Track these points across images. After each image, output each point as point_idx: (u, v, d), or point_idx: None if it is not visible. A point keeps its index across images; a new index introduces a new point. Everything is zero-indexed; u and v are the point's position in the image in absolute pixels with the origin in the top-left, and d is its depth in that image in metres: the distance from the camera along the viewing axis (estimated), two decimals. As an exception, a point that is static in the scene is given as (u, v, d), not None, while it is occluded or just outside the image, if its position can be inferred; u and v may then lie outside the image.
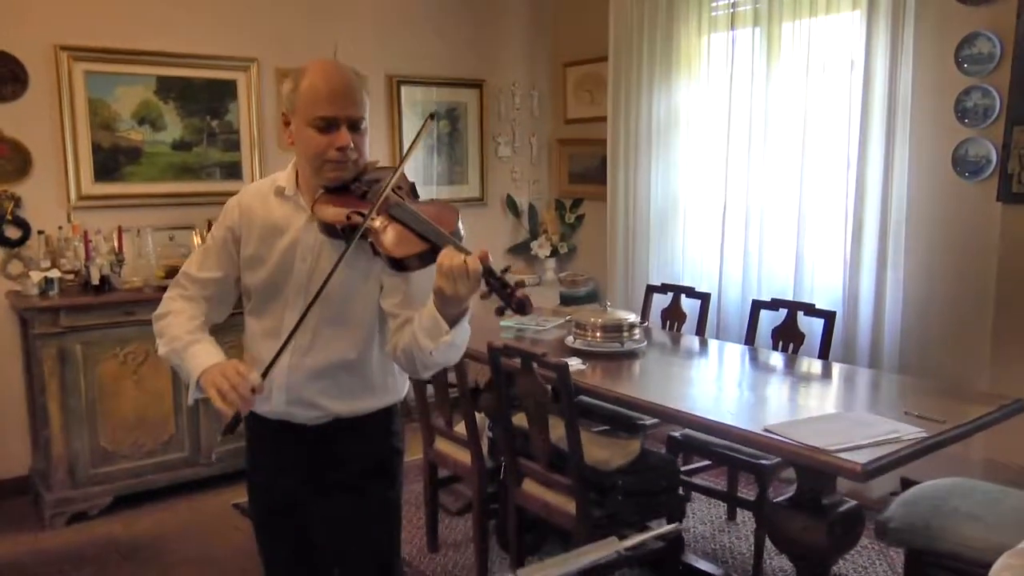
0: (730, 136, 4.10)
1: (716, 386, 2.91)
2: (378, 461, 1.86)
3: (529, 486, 2.76)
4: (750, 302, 3.73)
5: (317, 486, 1.82)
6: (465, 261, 1.44)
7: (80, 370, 3.55)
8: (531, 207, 5.37)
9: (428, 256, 1.54)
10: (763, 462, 3.00)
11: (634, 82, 4.49)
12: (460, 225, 1.59)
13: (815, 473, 2.41)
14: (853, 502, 2.55)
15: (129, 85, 3.99)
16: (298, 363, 1.73)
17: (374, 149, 4.69)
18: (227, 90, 4.25)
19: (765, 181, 3.95)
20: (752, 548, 3.30)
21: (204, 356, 1.68)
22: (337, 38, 4.33)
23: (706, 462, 3.40)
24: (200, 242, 4.10)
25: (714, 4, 4.13)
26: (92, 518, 3.63)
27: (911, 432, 2.22)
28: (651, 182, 4.48)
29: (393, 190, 1.69)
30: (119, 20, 3.94)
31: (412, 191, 1.77)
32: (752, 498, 3.20)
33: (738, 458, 3.08)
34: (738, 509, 3.58)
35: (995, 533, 2.30)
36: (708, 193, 4.28)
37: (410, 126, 4.81)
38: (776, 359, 3.25)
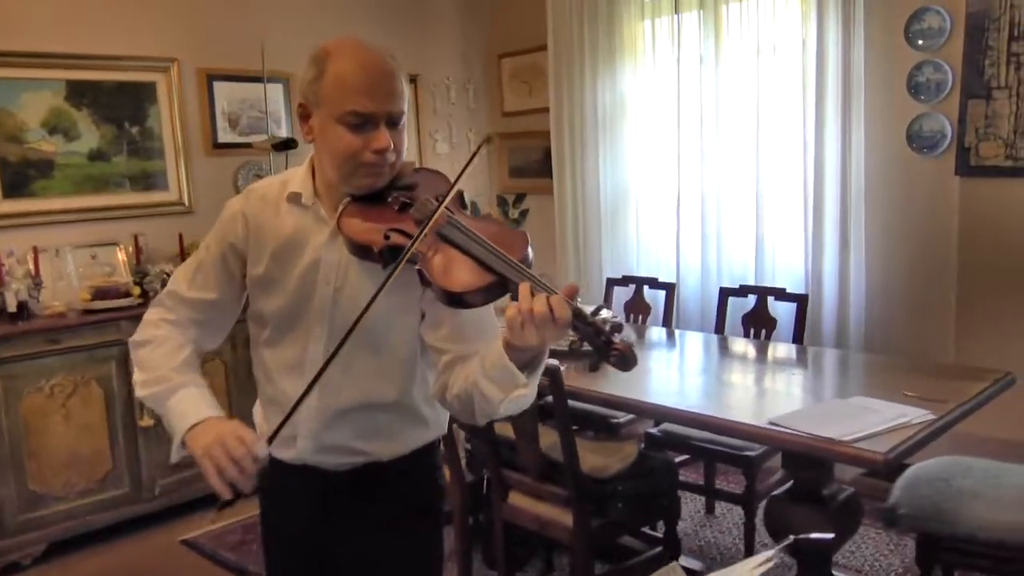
0: (680, 122, 4.02)
1: (702, 379, 2.81)
2: (420, 502, 1.61)
3: (517, 499, 2.60)
4: (713, 290, 3.67)
5: (348, 529, 1.57)
6: (549, 304, 1.16)
7: (1, 407, 3.20)
8: (473, 204, 5.19)
9: (494, 291, 1.26)
10: (748, 454, 2.92)
11: (576, 71, 4.37)
12: (530, 251, 1.30)
13: (814, 463, 2.35)
14: (850, 489, 2.49)
15: (35, 91, 3.63)
16: (328, 404, 1.47)
17: (304, 156, 4.41)
18: (146, 94, 3.93)
19: (720, 166, 3.89)
20: (736, 542, 3.24)
21: (191, 407, 1.41)
22: (264, 34, 4.06)
23: (684, 456, 3.31)
24: (124, 260, 3.78)
25: (656, -13, 4.04)
26: (25, 568, 3.29)
27: (919, 415, 2.16)
28: (600, 173, 4.37)
29: (436, 202, 1.37)
30: (20, 20, 3.58)
31: (461, 201, 1.45)
32: (739, 491, 3.12)
33: (721, 451, 2.99)
34: (716, 502, 3.50)
35: (1006, 511, 2.27)
36: (660, 181, 4.19)
37: (344, 125, 4.56)
38: (752, 347, 3.19)
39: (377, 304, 1.30)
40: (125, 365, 3.43)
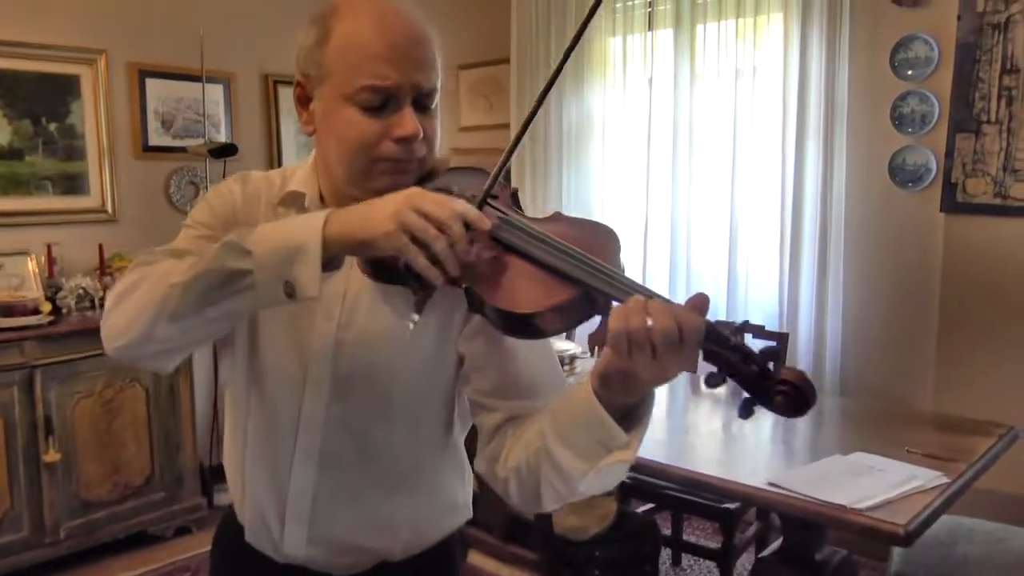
0: (651, 144, 3.81)
1: (679, 425, 2.56)
2: None
3: (478, 560, 2.31)
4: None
5: None
6: (674, 316, 0.80)
7: None
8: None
9: (578, 310, 0.90)
10: (727, 506, 2.69)
11: (541, 86, 4.11)
12: (619, 256, 0.95)
13: (810, 524, 2.12)
14: (844, 552, 2.28)
15: (-61, 79, 3.23)
16: (330, 481, 1.11)
17: (247, 160, 4.11)
18: (68, 87, 3.54)
19: (692, 192, 3.68)
20: (707, 598, 3.00)
21: (295, 219, 0.96)
22: (204, 30, 3.71)
23: (649, 505, 3.06)
24: (34, 271, 3.37)
25: (630, 3, 3.84)
26: (-102, 627, 2.86)
27: (931, 477, 1.96)
28: (563, 194, 4.13)
29: (489, 201, 1.00)
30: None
31: (514, 201, 1.06)
32: (711, 544, 2.88)
33: (696, 502, 2.75)
34: (683, 554, 3.26)
35: (1019, 583, 2.08)
36: (628, 206, 3.97)
37: (289, 134, 4.23)
38: (726, 388, 2.96)
39: (395, 344, 0.95)
40: (29, 391, 3.03)
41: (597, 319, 0.92)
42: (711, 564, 3.04)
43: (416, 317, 0.90)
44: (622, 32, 3.89)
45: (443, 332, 1.08)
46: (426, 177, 1.08)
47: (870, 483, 1.91)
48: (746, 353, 0.82)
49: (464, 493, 1.24)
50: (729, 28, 3.51)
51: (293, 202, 1.13)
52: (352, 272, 1.07)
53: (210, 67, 3.75)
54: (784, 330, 3.33)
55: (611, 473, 0.93)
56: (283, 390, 1.12)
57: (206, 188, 3.81)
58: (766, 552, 2.29)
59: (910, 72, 3.16)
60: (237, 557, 1.22)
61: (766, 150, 3.46)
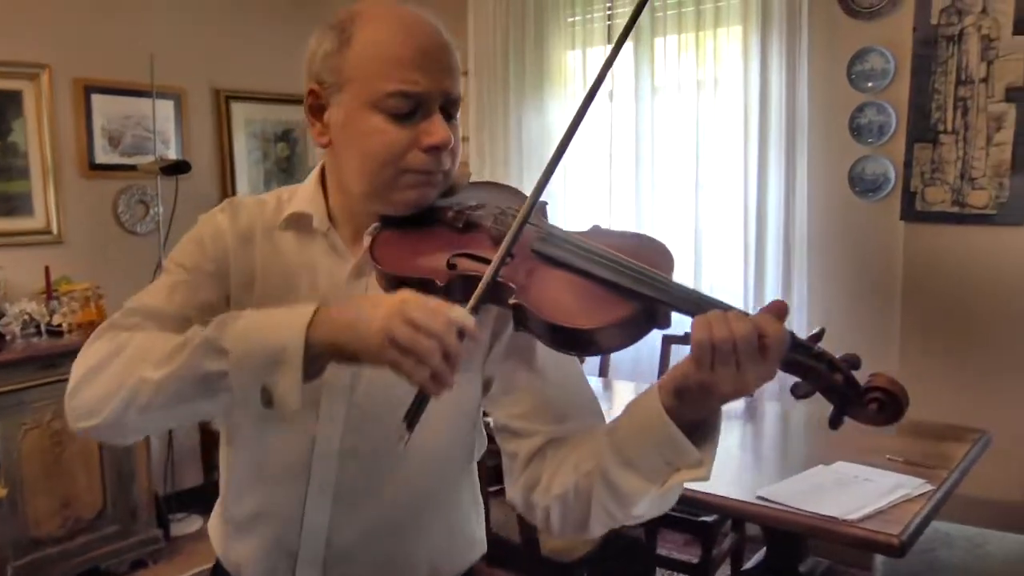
0: (613, 157, 3.80)
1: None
2: None
3: (460, 585, 2.24)
4: (653, 337, 3.43)
5: None
6: (757, 325, 0.78)
7: None
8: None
9: (640, 324, 0.86)
10: (705, 519, 2.66)
11: (500, 101, 4.10)
12: (673, 269, 0.92)
13: (792, 535, 2.12)
14: (827, 562, 2.28)
15: None
16: (346, 519, 1.04)
17: (199, 178, 3.98)
18: (9, 104, 3.38)
19: (655, 204, 3.69)
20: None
21: (282, 312, 0.88)
22: (153, 45, 3.59)
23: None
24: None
25: (588, 17, 3.84)
26: None
27: (917, 485, 1.97)
28: (524, 208, 4.09)
29: (514, 214, 0.95)
30: None
31: (543, 215, 1.02)
32: (685, 558, 2.86)
33: (672, 516, 2.73)
34: (658, 569, 3.23)
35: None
36: (590, 218, 3.95)
37: (241, 147, 4.12)
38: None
39: None
40: (-27, 424, 2.87)
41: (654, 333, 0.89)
42: (686, 578, 3.02)
43: (408, 435, 0.84)
44: (581, 45, 3.88)
45: (467, 355, 1.02)
46: (448, 192, 1.04)
47: (858, 493, 1.91)
48: (830, 361, 0.80)
49: (480, 526, 1.19)
50: (689, 41, 3.53)
51: (298, 224, 1.07)
52: (368, 294, 1.02)
53: (159, 82, 3.63)
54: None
55: (671, 494, 0.90)
56: (294, 427, 1.04)
57: (157, 207, 3.67)
58: (749, 564, 2.28)
59: (868, 84, 3.21)
60: None
61: (729, 162, 3.48)
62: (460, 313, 0.83)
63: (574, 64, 3.93)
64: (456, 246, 0.97)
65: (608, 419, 1.00)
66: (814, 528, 1.82)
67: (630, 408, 0.91)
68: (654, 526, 3.03)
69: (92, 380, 0.95)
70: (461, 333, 0.83)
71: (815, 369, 0.81)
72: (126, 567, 3.32)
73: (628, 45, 3.69)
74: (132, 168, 3.66)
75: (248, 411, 0.95)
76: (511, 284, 0.89)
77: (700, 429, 0.86)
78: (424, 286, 0.93)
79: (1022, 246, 2.94)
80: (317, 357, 0.86)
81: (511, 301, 0.89)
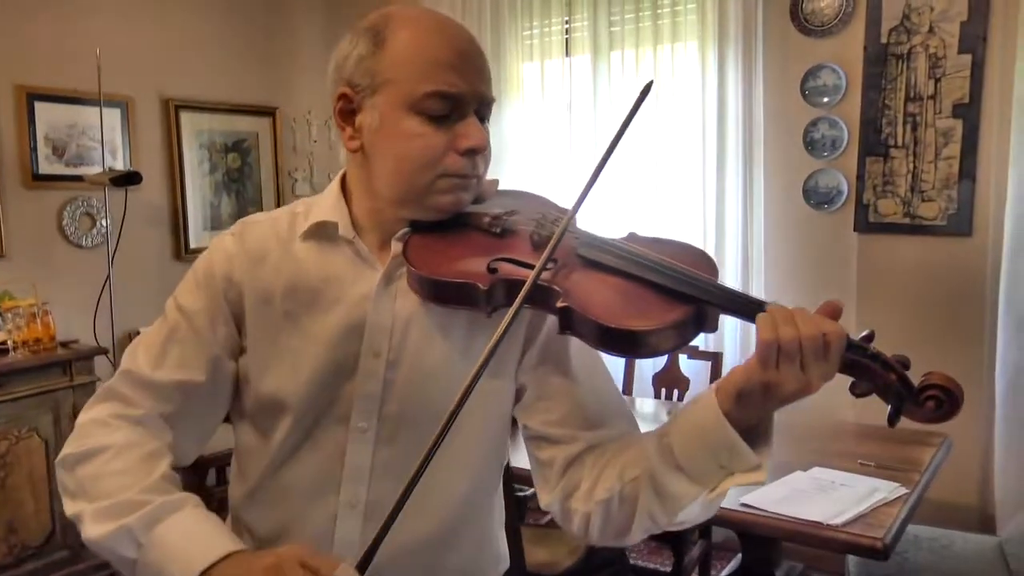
0: (570, 170, 3.82)
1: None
2: None
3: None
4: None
5: None
6: (819, 325, 0.80)
7: None
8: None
9: (691, 327, 0.88)
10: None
11: (457, 111, 4.08)
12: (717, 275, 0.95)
13: (767, 541, 2.15)
14: (801, 566, 2.33)
15: None
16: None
17: (148, 189, 3.85)
18: (-53, 111, 3.23)
19: (614, 217, 3.72)
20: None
21: (196, 540, 0.91)
22: (100, 52, 3.46)
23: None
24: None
25: (546, 29, 3.86)
26: None
27: (891, 488, 2.03)
28: (482, 220, 4.09)
29: (557, 222, 0.98)
30: None
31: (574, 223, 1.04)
32: (656, 567, 2.88)
33: (646, 525, 2.75)
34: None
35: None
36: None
37: (191, 157, 4.01)
38: (665, 409, 2.99)
39: (455, 382, 0.86)
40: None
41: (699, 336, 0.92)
42: (656, 587, 3.04)
43: None
44: (539, 57, 3.91)
45: (498, 364, 1.01)
46: (476, 200, 1.04)
47: (838, 498, 1.95)
48: (885, 361, 0.83)
49: (503, 542, 1.18)
50: (646, 54, 3.59)
51: (321, 234, 1.05)
52: (398, 302, 1.01)
53: (106, 91, 3.51)
54: (711, 350, 3.40)
55: (719, 499, 0.91)
56: (323, 446, 1.02)
57: (105, 219, 3.55)
58: (725, 572, 2.30)
59: (822, 100, 3.31)
60: None
61: (688, 175, 3.54)
62: (343, 572, 0.84)
63: (531, 76, 3.95)
64: (495, 251, 0.98)
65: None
66: (799, 533, 1.86)
67: (683, 413, 0.92)
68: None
69: (66, 475, 1.00)
70: None
71: (871, 368, 0.84)
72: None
73: (586, 57, 3.74)
74: (78, 179, 3.53)
75: (280, 442, 1.01)
76: (556, 288, 0.90)
77: (753, 433, 0.87)
78: (465, 290, 0.94)
79: (970, 255, 3.06)
80: None
81: (558, 304, 0.90)
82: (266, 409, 1.05)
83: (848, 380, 0.87)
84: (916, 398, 0.83)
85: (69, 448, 1.02)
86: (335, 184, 1.08)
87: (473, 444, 1.04)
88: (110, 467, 0.97)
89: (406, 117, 0.96)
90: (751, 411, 0.85)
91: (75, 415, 3.17)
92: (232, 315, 1.06)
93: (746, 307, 0.86)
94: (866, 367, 0.84)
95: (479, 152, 0.99)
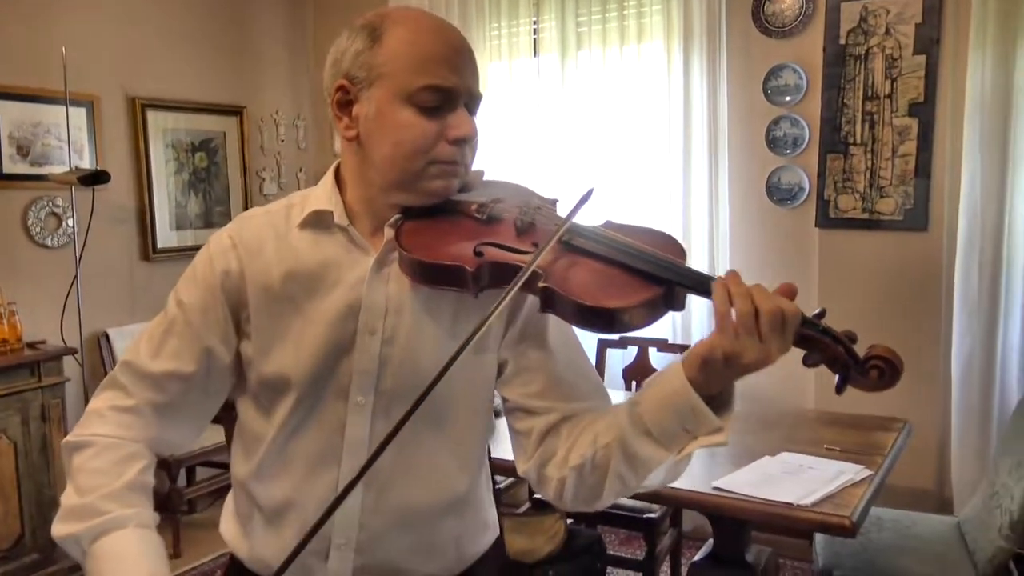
0: (539, 168, 3.87)
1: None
2: None
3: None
4: (588, 341, 3.52)
5: None
6: (776, 301, 0.87)
7: None
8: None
9: (660, 305, 0.95)
10: (651, 516, 2.76)
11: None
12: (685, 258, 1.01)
13: (737, 525, 2.22)
14: (769, 549, 2.40)
15: None
16: (377, 503, 1.08)
17: (114, 189, 3.81)
18: (-92, 110, 3.17)
19: (582, 213, 3.78)
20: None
21: (127, 560, 1.00)
22: (65, 51, 3.43)
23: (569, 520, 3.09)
24: None
25: (514, 29, 3.91)
26: None
27: (856, 471, 2.11)
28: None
29: (539, 210, 1.06)
30: None
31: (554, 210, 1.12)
32: (629, 554, 2.94)
33: (621, 515, 2.81)
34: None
35: (933, 564, 2.26)
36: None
37: (158, 156, 3.99)
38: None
39: (444, 357, 0.93)
40: None
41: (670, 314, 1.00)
42: (629, 573, 3.10)
43: None
44: (507, 57, 3.95)
45: (482, 340, 1.07)
46: (462, 189, 1.10)
47: (807, 481, 2.03)
48: (835, 335, 0.90)
49: (493, 510, 1.23)
50: (613, 55, 3.66)
51: (317, 223, 1.11)
52: (390, 285, 1.07)
53: (72, 89, 3.47)
54: (680, 342, 3.48)
55: (684, 461, 0.98)
56: (325, 419, 1.09)
57: (72, 218, 3.51)
58: (697, 557, 2.36)
59: (783, 99, 3.41)
60: None
61: (655, 173, 3.62)
62: None
63: (499, 75, 4.00)
64: (481, 236, 1.04)
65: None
66: (771, 515, 1.93)
67: (651, 382, 1.00)
68: (593, 524, 3.12)
69: (66, 460, 1.11)
70: None
71: (822, 342, 0.91)
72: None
73: (554, 56, 3.80)
74: (43, 178, 3.49)
75: (283, 419, 1.08)
76: (539, 270, 0.98)
77: (716, 400, 0.94)
78: (454, 272, 1.00)
79: (926, 250, 3.18)
80: None
81: (540, 284, 0.97)
82: (270, 388, 1.10)
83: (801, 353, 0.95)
84: (861, 368, 0.90)
85: (71, 435, 1.11)
86: (329, 175, 1.14)
87: (463, 416, 1.11)
88: (89, 464, 1.07)
89: (401, 108, 1.02)
90: (714, 379, 0.92)
91: (43, 416, 3.14)
92: (229, 306, 1.11)
93: (709, 286, 0.93)
94: (818, 341, 0.91)
95: (468, 141, 1.05)
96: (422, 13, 1.08)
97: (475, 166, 1.15)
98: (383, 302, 1.08)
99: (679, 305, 0.97)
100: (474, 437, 1.15)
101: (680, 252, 1.01)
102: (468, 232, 1.05)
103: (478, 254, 1.01)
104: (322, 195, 1.12)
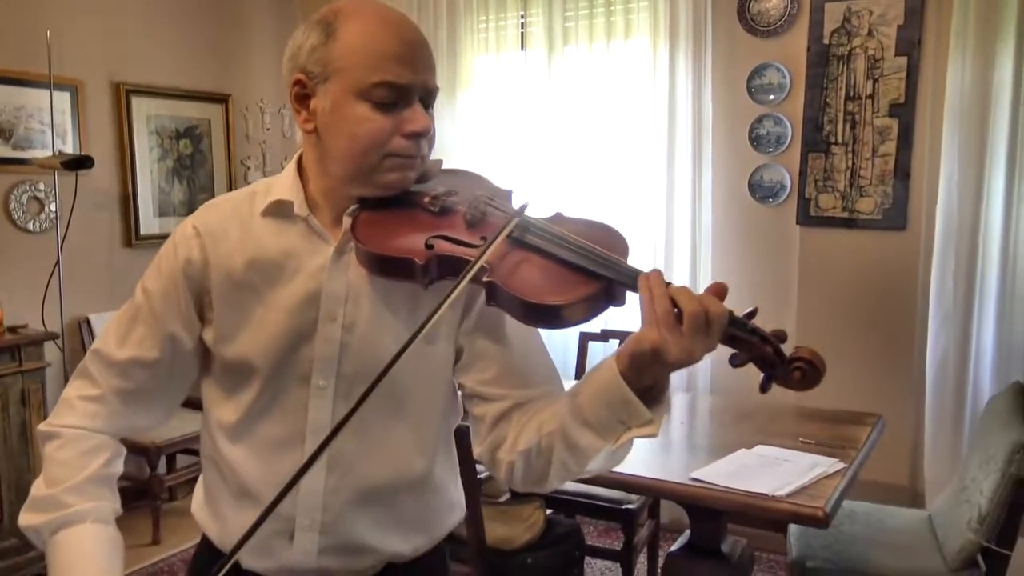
0: (524, 161, 3.90)
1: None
2: None
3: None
4: (568, 335, 3.55)
5: None
6: (701, 302, 0.91)
7: None
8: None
9: (601, 301, 0.98)
10: (628, 507, 2.79)
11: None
12: (628, 254, 1.03)
13: (714, 516, 2.26)
14: (744, 540, 2.44)
15: None
16: (340, 484, 1.11)
17: (98, 174, 3.80)
18: None
19: (570, 207, 3.80)
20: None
21: (79, 556, 1.05)
22: (49, 35, 3.41)
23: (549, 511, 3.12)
24: None
25: (501, 23, 3.93)
26: None
27: (831, 464, 2.16)
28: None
29: (490, 202, 1.09)
30: None
31: (509, 202, 1.15)
32: (606, 545, 2.98)
33: (600, 506, 2.84)
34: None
35: (904, 556, 2.31)
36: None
37: (142, 143, 3.97)
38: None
39: (401, 344, 0.96)
40: None
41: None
42: (607, 564, 3.14)
43: None
44: (494, 50, 3.97)
45: (433, 331, 1.09)
46: (420, 178, 1.12)
47: (782, 472, 2.07)
48: (763, 336, 0.93)
49: (458, 490, 1.27)
50: (600, 50, 3.68)
51: (279, 212, 1.13)
52: (350, 273, 1.10)
53: (56, 73, 3.45)
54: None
55: (622, 450, 1.02)
56: (288, 403, 1.12)
57: (55, 203, 3.50)
58: (674, 547, 2.40)
59: (767, 97, 3.45)
60: None
61: (639, 169, 3.65)
62: None
63: (486, 68, 4.01)
64: (433, 228, 1.06)
65: None
66: (746, 505, 1.96)
67: (589, 375, 1.03)
68: (572, 516, 3.15)
69: (42, 442, 1.14)
70: None
71: (749, 342, 0.94)
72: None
73: (540, 51, 3.82)
74: (25, 162, 3.47)
75: (246, 402, 1.12)
76: (485, 264, 1.00)
77: (650, 393, 0.98)
78: (404, 264, 1.03)
79: (904, 249, 3.23)
80: None
81: (484, 279, 0.99)
82: (233, 373, 1.14)
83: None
84: (786, 368, 0.94)
85: (45, 423, 1.16)
86: (292, 165, 1.16)
87: (419, 401, 1.14)
88: (57, 455, 1.12)
89: (356, 103, 1.04)
90: (644, 373, 0.95)
91: (24, 401, 3.12)
92: (192, 293, 1.14)
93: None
94: (745, 340, 0.94)
95: (423, 136, 1.07)
96: (376, 7, 1.08)
97: (448, 163, 1.18)
98: (343, 290, 1.10)
99: (619, 300, 0.99)
100: (432, 420, 1.17)
101: (623, 247, 1.04)
102: (421, 224, 1.07)
103: (429, 247, 1.04)
104: (285, 184, 1.14)
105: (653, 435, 0.97)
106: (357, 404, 0.93)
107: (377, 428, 1.11)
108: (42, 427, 1.14)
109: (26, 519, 1.09)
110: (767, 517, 1.97)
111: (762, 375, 0.96)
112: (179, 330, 1.14)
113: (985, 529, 2.13)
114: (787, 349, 0.97)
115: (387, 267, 1.05)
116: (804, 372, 0.93)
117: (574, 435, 1.01)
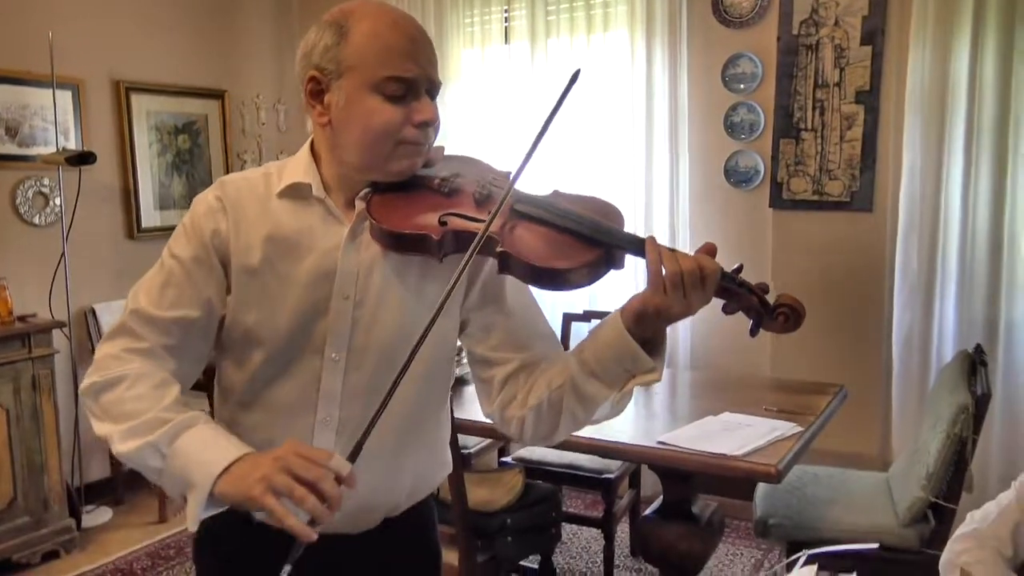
0: (508, 151, 4.04)
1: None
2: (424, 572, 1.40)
3: (393, 540, 2.42)
4: (552, 315, 3.70)
5: None
6: (698, 261, 1.04)
7: None
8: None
9: (602, 265, 1.10)
10: (608, 476, 2.95)
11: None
12: (623, 223, 1.14)
13: (685, 480, 2.42)
14: (715, 504, 2.60)
15: None
16: (347, 448, 1.18)
17: (100, 169, 3.95)
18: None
19: (536, 186, 3.95)
20: (590, 566, 3.25)
21: (213, 447, 1.09)
22: (52, 35, 3.56)
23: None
24: None
25: (486, 17, 4.07)
26: None
27: (789, 428, 2.30)
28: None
29: (494, 182, 1.19)
30: None
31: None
32: (589, 513, 3.14)
33: (580, 475, 3.00)
34: (566, 525, 3.51)
35: (860, 514, 2.47)
36: (490, 209, 4.18)
37: (142, 140, 4.13)
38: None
39: (409, 318, 1.07)
40: None
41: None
42: (591, 532, 3.30)
43: (288, 568, 0.99)
44: (479, 45, 4.11)
45: (449, 303, 1.21)
46: (426, 164, 1.23)
47: (742, 436, 2.22)
48: (750, 287, 1.08)
49: (447, 450, 1.40)
50: (580, 43, 3.83)
51: (295, 193, 1.23)
52: (362, 253, 1.20)
53: (58, 73, 3.60)
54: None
55: (626, 398, 1.15)
56: (300, 372, 1.21)
57: (59, 197, 3.65)
58: (649, 511, 2.56)
59: (741, 86, 3.59)
60: (238, 541, 1.27)
61: (618, 155, 3.80)
62: (338, 462, 1.01)
63: (472, 61, 4.16)
64: (444, 207, 1.17)
65: None
66: (707, 464, 2.12)
67: (595, 332, 1.16)
68: (558, 485, 3.32)
69: (92, 402, 1.16)
70: (339, 479, 1.01)
71: (738, 293, 1.08)
72: (38, 558, 3.31)
73: (524, 44, 3.96)
74: (30, 159, 3.62)
75: (258, 370, 1.21)
76: (496, 236, 1.12)
77: (650, 343, 1.10)
78: (421, 240, 1.14)
79: (870, 229, 3.39)
80: (219, 499, 1.06)
81: (498, 250, 1.11)
82: (242, 343, 1.22)
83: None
84: (771, 314, 1.09)
85: (91, 378, 1.17)
86: (305, 149, 1.25)
87: (423, 370, 1.22)
88: (129, 393, 1.14)
89: (368, 97, 1.14)
90: (647, 328, 1.09)
91: (34, 386, 3.27)
92: (221, 254, 1.22)
93: (643, 247, 1.10)
94: (735, 292, 1.08)
95: (431, 124, 1.18)
96: (384, 8, 1.19)
97: (442, 143, 1.30)
98: (356, 268, 1.20)
99: (619, 264, 1.12)
100: (433, 388, 1.28)
101: (619, 218, 1.16)
102: (432, 204, 1.17)
103: (442, 223, 1.14)
104: (299, 168, 1.24)
105: (657, 380, 1.11)
106: (388, 395, 1.03)
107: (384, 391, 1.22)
108: (96, 379, 1.16)
109: (131, 444, 1.10)
110: (726, 475, 2.12)
111: (751, 322, 1.11)
112: (214, 295, 1.21)
113: (933, 485, 2.29)
114: (770, 299, 1.12)
115: (404, 243, 1.15)
116: (787, 316, 1.08)
117: (584, 386, 1.13)
